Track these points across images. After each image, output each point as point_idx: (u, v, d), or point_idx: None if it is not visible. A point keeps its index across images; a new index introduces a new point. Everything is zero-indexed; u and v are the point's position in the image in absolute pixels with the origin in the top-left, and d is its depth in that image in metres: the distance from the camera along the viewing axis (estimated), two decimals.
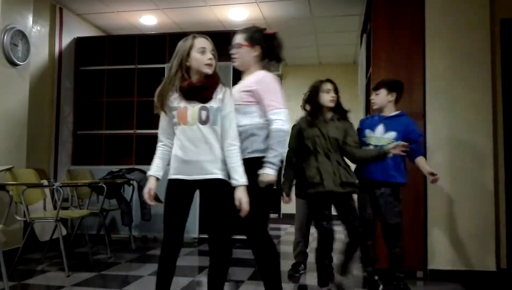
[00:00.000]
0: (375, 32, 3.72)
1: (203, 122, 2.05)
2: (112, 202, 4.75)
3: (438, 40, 3.63)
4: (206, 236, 5.08)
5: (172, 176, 2.10)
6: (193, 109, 2.06)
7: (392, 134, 2.89)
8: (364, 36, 4.50)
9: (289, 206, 3.57)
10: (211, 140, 2.06)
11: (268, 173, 2.15)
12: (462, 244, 3.50)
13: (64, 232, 4.47)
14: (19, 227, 3.96)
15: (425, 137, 3.49)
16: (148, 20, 5.87)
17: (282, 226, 6.68)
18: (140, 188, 4.60)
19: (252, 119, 2.26)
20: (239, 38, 2.37)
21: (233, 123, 2.12)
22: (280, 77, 7.99)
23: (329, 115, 2.86)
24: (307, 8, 5.40)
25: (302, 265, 3.54)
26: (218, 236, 2.07)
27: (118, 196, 4.62)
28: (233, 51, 2.40)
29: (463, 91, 3.56)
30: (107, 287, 3.15)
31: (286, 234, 5.84)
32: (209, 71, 2.08)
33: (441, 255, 3.49)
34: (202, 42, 2.09)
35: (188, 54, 2.06)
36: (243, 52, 2.36)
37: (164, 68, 5.31)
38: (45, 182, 4.22)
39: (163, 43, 5.38)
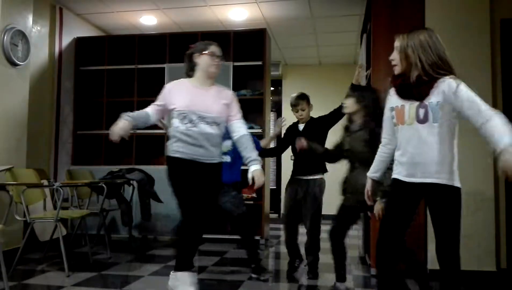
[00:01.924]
0: (375, 32, 3.72)
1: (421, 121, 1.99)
2: (112, 202, 4.75)
3: None
4: (206, 236, 5.08)
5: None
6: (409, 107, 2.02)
7: None
8: (364, 36, 4.49)
9: None
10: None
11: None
12: (462, 244, 3.44)
13: (64, 232, 4.47)
14: (19, 227, 3.96)
15: None
16: (148, 20, 5.87)
17: (282, 226, 6.65)
18: (140, 188, 4.60)
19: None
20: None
21: None
22: (280, 77, 8.00)
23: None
24: (307, 8, 5.40)
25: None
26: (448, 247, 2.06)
27: (118, 196, 4.62)
28: (221, 60, 2.82)
29: None
30: (107, 287, 3.15)
31: None
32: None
33: None
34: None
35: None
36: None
37: (164, 68, 5.32)
38: (45, 182, 4.21)
39: (163, 43, 5.38)
